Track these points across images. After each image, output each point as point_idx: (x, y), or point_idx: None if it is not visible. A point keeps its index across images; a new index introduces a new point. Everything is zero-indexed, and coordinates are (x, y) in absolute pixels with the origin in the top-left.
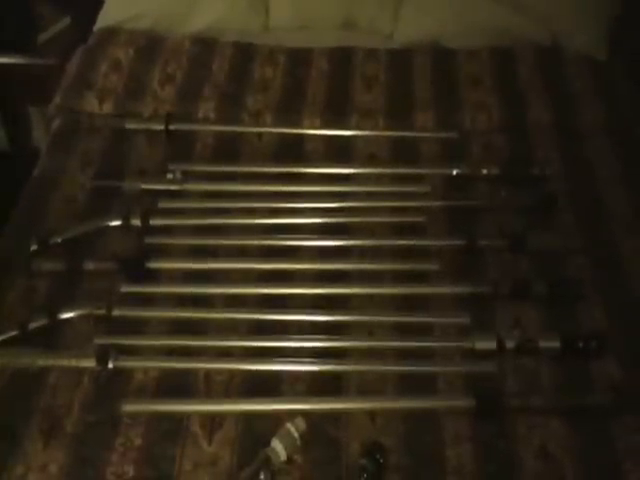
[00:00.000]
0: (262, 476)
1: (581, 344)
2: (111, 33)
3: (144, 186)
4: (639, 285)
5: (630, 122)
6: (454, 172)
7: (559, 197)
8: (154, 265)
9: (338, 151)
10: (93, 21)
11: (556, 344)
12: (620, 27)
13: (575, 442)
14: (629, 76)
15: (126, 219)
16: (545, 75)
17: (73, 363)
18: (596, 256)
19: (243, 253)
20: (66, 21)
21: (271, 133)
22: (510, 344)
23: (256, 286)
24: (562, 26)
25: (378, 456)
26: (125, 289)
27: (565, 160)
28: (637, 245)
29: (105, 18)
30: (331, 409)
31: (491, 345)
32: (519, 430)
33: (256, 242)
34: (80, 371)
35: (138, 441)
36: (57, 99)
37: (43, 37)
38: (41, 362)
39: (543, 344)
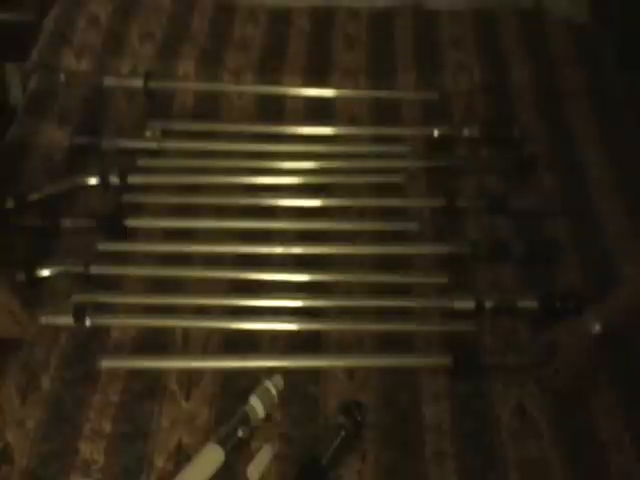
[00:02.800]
0: (240, 433)
1: (559, 304)
2: None
3: (122, 144)
4: (616, 246)
5: (610, 84)
6: (435, 133)
7: (539, 159)
8: (132, 223)
9: (318, 111)
10: None
11: (534, 304)
12: None
13: (551, 400)
14: (609, 38)
15: (104, 177)
16: (527, 37)
17: (50, 320)
18: (574, 218)
19: (222, 212)
20: None
21: (251, 92)
22: (489, 304)
23: (235, 245)
24: None
25: (356, 413)
26: (103, 247)
27: (545, 122)
28: (615, 206)
29: None
30: (309, 367)
31: (470, 305)
32: (496, 388)
33: (235, 201)
34: (57, 328)
35: (115, 398)
36: (34, 56)
37: None
38: None
39: (521, 304)
